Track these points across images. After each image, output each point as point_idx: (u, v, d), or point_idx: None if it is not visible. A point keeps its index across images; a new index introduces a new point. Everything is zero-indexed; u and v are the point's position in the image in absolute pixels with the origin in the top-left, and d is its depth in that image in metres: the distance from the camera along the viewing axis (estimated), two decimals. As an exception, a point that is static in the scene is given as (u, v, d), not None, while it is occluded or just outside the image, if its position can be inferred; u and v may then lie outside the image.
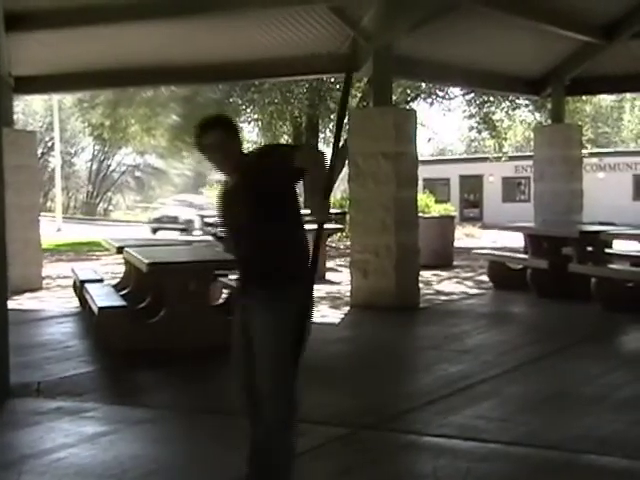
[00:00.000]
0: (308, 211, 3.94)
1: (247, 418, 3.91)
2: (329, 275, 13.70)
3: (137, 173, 57.83)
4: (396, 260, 10.13)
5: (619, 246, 11.52)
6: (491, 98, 22.27)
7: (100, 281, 9.77)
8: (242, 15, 10.82)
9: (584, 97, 22.48)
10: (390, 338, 8.73)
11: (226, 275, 8.83)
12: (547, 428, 5.26)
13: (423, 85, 21.69)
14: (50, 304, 11.18)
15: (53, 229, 30.00)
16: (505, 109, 23.44)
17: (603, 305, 9.73)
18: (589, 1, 11.59)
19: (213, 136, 3.79)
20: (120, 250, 9.30)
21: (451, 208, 27.10)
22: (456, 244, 16.58)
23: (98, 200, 54.52)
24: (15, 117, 13.77)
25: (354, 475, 4.48)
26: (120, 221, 42.33)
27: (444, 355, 7.53)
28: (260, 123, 23.81)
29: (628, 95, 26.91)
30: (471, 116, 23.94)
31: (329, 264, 14.53)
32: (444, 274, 13.96)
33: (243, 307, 3.87)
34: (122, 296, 8.54)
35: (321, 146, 24.82)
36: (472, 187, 39.85)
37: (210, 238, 15.78)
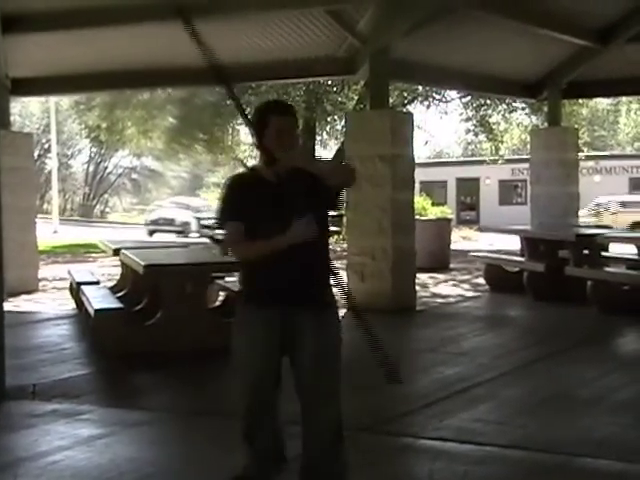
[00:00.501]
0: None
1: (258, 432, 3.88)
2: (326, 278, 13.67)
3: (134, 175, 57.82)
4: (393, 263, 10.14)
5: (615, 249, 11.54)
6: (488, 101, 22.30)
7: (96, 283, 9.76)
8: (239, 18, 10.83)
9: (580, 100, 22.51)
10: (387, 341, 8.70)
11: (223, 277, 8.83)
12: (543, 431, 5.26)
13: (420, 88, 21.71)
14: (46, 306, 11.17)
15: (50, 231, 29.98)
16: (502, 112, 23.50)
17: (599, 308, 9.75)
18: (585, 5, 11.60)
19: (290, 119, 3.70)
20: (117, 252, 9.29)
21: (448, 211, 27.15)
22: (453, 247, 16.59)
23: (95, 202, 54.49)
24: (12, 119, 13.74)
25: (351, 478, 4.47)
26: (117, 223, 42.30)
27: (441, 358, 7.53)
28: (257, 125, 23.81)
29: (624, 98, 26.95)
30: (468, 119, 23.98)
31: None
32: (441, 277, 13.97)
33: (283, 322, 3.69)
34: (118, 298, 8.54)
35: (317, 148, 24.87)
36: (469, 190, 39.92)
37: (207, 240, 15.78)
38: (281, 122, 3.65)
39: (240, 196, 3.71)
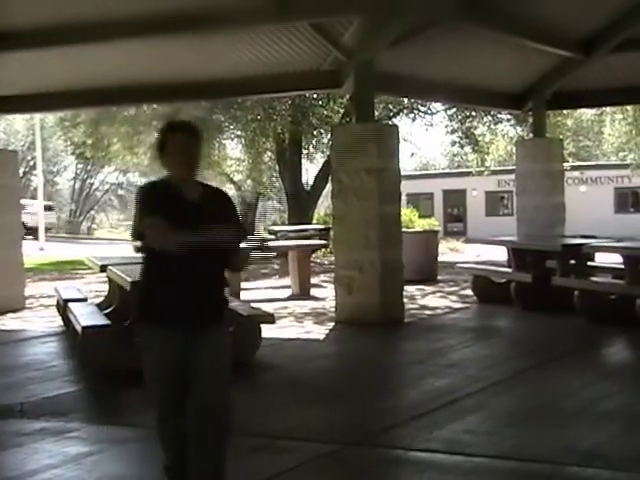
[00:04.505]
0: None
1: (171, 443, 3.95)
2: (314, 291, 13.69)
3: (120, 191, 57.67)
4: (380, 275, 10.14)
5: (601, 259, 11.59)
6: (473, 113, 22.38)
7: (84, 300, 9.72)
8: (224, 33, 10.85)
9: (565, 111, 22.63)
10: (375, 353, 8.73)
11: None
12: (532, 441, 5.27)
13: (405, 100, 21.79)
14: (33, 324, 11.11)
15: (36, 248, 29.84)
16: (487, 124, 23.58)
17: (586, 318, 9.78)
18: (568, 17, 11.70)
19: (183, 137, 3.84)
20: (103, 269, 9.26)
21: (435, 223, 27.17)
22: (440, 258, 16.62)
23: (81, 219, 54.31)
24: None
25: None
26: (104, 239, 42.14)
27: (429, 369, 7.54)
28: (243, 140, 23.83)
29: (608, 109, 27.06)
30: (453, 131, 24.05)
31: (314, 280, 14.52)
32: (428, 289, 13.98)
33: (183, 337, 3.81)
34: (106, 315, 8.50)
35: (304, 162, 24.91)
36: (455, 201, 40.01)
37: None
38: (179, 139, 3.83)
39: (155, 200, 3.83)
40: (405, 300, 10.87)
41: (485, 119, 23.02)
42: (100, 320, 8.05)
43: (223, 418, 3.86)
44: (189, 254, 3.65)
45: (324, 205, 30.33)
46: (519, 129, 23.45)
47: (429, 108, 23.54)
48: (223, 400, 3.87)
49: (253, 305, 9.19)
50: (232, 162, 28.59)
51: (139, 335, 3.96)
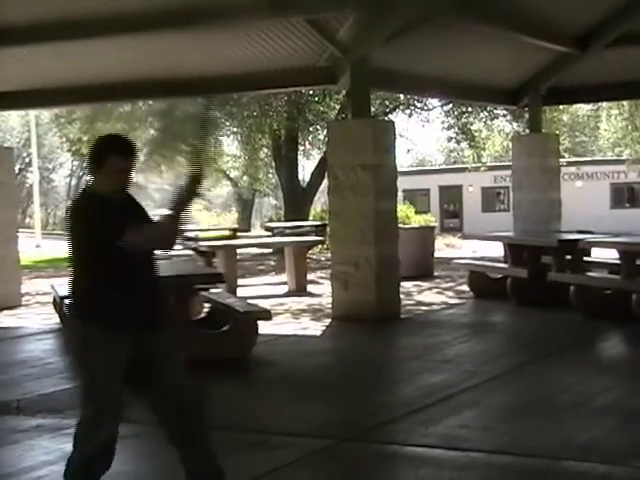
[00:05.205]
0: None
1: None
2: (310, 287, 13.70)
3: (116, 188, 57.59)
4: (376, 271, 10.15)
5: (597, 254, 11.61)
6: (469, 109, 22.39)
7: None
8: (219, 29, 10.84)
9: (561, 106, 22.65)
10: (371, 349, 8.74)
11: (207, 289, 8.82)
12: (528, 436, 5.28)
13: (401, 96, 21.77)
14: (29, 321, 11.11)
15: (32, 245, 29.79)
16: (483, 119, 23.59)
17: (582, 313, 9.79)
18: (563, 12, 11.71)
19: (124, 162, 3.82)
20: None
21: (431, 219, 27.16)
22: (436, 254, 16.63)
23: (77, 216, 54.17)
24: (-8, 133, 13.71)
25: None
26: (100, 236, 42.07)
27: (425, 365, 7.54)
28: (239, 136, 23.82)
29: (604, 104, 27.08)
30: (450, 127, 24.05)
31: (310, 276, 14.52)
32: (425, 284, 13.99)
33: (136, 339, 3.82)
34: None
35: (300, 158, 24.89)
36: (452, 197, 40.03)
37: (191, 252, 15.76)
38: (120, 164, 3.80)
39: (101, 210, 3.75)
40: (401, 296, 10.88)
41: (481, 115, 23.02)
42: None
43: (201, 413, 3.94)
44: (143, 257, 3.78)
45: (320, 201, 30.33)
46: (515, 125, 23.47)
47: (425, 104, 23.53)
48: (197, 395, 3.99)
49: (250, 301, 9.20)
50: (228, 158, 28.58)
51: (78, 333, 3.92)
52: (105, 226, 3.69)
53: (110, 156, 3.78)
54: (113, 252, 3.68)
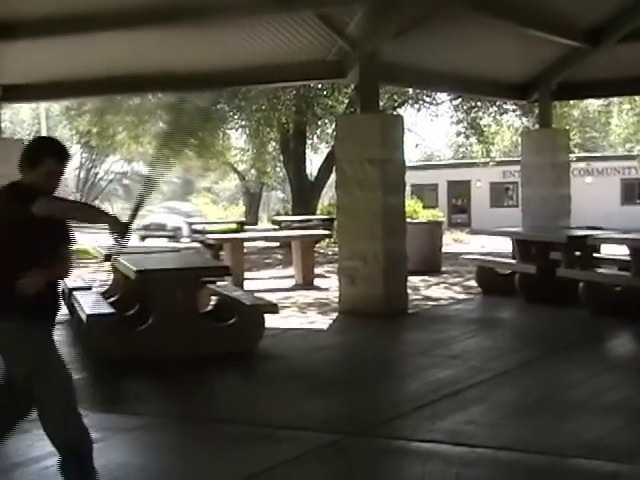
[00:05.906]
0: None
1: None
2: (317, 281, 13.69)
3: (125, 181, 57.72)
4: (384, 266, 10.12)
5: (607, 250, 11.56)
6: (478, 103, 22.32)
7: (88, 289, 9.73)
8: (229, 22, 10.82)
9: (571, 102, 22.56)
10: (378, 344, 8.73)
11: (214, 282, 8.82)
12: (535, 433, 5.26)
13: (410, 91, 21.73)
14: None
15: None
16: (492, 114, 23.52)
17: (591, 310, 9.75)
18: (574, 6, 11.64)
19: (58, 166, 3.94)
20: (108, 258, 9.26)
21: (439, 214, 27.14)
22: (444, 249, 16.60)
23: (86, 208, 54.30)
24: (2, 125, 13.73)
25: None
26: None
27: (432, 361, 7.53)
28: (248, 130, 23.82)
29: (615, 99, 26.96)
30: (458, 121, 23.99)
31: (317, 270, 14.51)
32: (432, 280, 13.97)
33: (49, 331, 4.17)
34: (110, 304, 8.51)
35: (308, 152, 24.87)
36: (460, 192, 39.93)
37: (198, 245, 15.77)
38: (55, 167, 3.92)
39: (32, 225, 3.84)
40: (409, 291, 10.86)
41: (490, 110, 22.96)
42: (105, 309, 8.05)
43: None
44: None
45: (328, 195, 30.33)
46: (525, 120, 23.39)
47: (434, 98, 23.48)
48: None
49: (256, 295, 9.20)
50: (236, 152, 28.59)
51: (20, 330, 4.03)
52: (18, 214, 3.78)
53: (45, 158, 3.87)
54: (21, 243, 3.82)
